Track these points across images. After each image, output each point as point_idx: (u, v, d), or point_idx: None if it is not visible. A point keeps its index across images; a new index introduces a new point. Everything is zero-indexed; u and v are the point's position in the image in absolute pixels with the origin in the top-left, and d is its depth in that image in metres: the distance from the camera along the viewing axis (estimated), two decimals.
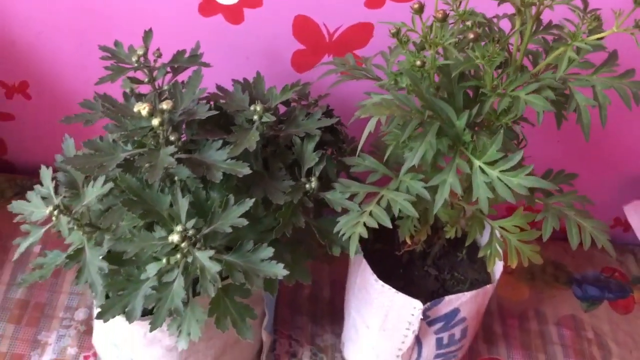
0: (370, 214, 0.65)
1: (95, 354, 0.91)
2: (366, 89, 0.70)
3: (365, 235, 0.63)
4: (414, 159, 0.60)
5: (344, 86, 0.75)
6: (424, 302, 0.77)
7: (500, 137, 0.59)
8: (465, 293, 0.77)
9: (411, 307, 0.78)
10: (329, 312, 1.01)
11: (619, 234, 1.17)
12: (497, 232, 0.72)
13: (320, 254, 0.74)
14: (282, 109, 0.79)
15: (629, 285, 1.10)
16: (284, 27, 0.88)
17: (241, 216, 0.62)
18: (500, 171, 0.60)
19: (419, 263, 0.87)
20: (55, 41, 0.94)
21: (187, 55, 0.73)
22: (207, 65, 0.72)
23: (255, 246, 0.62)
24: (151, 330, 0.59)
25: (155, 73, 0.72)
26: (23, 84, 1.00)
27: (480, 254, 0.72)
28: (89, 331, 0.93)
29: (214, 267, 0.57)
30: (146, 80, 0.71)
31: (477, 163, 0.62)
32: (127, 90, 0.71)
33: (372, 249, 0.84)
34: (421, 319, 0.78)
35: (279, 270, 0.61)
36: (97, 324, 0.86)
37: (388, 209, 0.66)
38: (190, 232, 0.59)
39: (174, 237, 0.58)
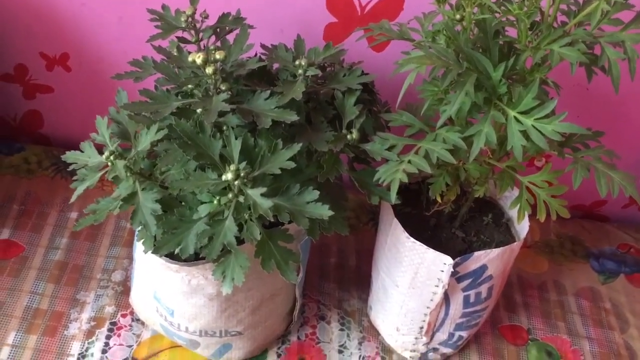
0: (409, 162, 0.69)
1: (132, 312, 0.94)
2: (396, 60, 0.74)
3: (405, 179, 0.67)
4: (452, 108, 0.64)
5: (374, 58, 0.79)
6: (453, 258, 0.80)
7: (535, 85, 0.63)
8: (494, 249, 0.81)
9: (441, 263, 0.81)
10: (355, 279, 1.05)
11: (634, 212, 1.20)
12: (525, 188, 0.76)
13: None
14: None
15: None
16: (317, 0, 0.93)
17: (289, 160, 0.65)
18: (535, 119, 0.64)
19: (447, 226, 0.90)
20: (98, 13, 0.98)
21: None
22: (251, 27, 0.76)
23: (301, 189, 0.65)
24: (206, 260, 0.63)
25: (201, 34, 0.76)
26: (64, 56, 1.04)
27: (511, 207, 0.76)
28: (125, 292, 0.96)
29: (266, 203, 0.61)
30: (193, 40, 0.75)
31: (512, 113, 0.65)
32: (174, 49, 0.75)
33: (401, 213, 0.88)
34: (451, 274, 0.81)
35: (325, 211, 0.64)
36: (136, 280, 0.89)
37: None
38: (242, 172, 0.63)
39: (228, 175, 0.62)
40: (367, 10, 0.93)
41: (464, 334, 0.93)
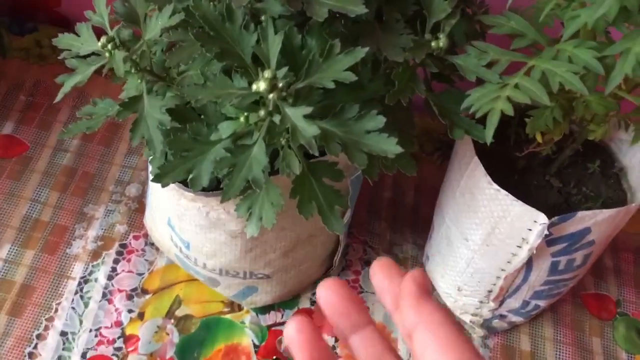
0: (517, 87, 0.49)
1: (146, 235, 0.80)
2: None
3: (510, 112, 0.47)
4: (597, 11, 0.43)
5: None
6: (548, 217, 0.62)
7: None
8: (604, 210, 0.62)
9: (531, 221, 0.63)
10: (412, 221, 0.87)
11: None
12: None
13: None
14: None
15: None
16: None
17: (347, 70, 0.46)
18: None
19: (539, 170, 0.70)
20: None
21: None
22: None
23: (361, 112, 0.47)
24: (222, 201, 0.46)
25: None
26: None
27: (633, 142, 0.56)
28: (141, 209, 0.82)
29: (310, 129, 0.43)
30: None
31: None
32: None
33: (481, 148, 0.68)
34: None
35: (391, 146, 0.46)
36: (151, 198, 0.74)
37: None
38: (281, 83, 0.45)
39: (261, 85, 0.44)
40: None
41: (542, 303, 0.75)
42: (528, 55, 0.51)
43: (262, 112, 0.46)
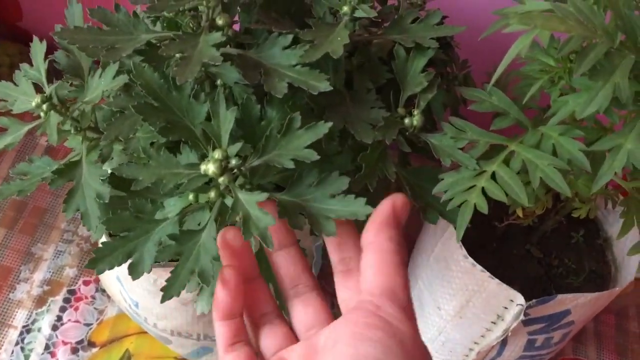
0: (493, 176, 0.44)
1: (97, 280, 0.74)
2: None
3: (484, 209, 0.43)
4: (587, 106, 0.39)
5: None
6: (526, 296, 0.57)
7: None
8: (586, 294, 0.57)
9: (506, 300, 0.58)
10: None
11: None
12: None
13: None
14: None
15: None
16: None
17: (310, 147, 0.41)
18: None
19: (520, 239, 0.66)
20: None
21: None
22: None
23: (322, 176, 0.41)
24: (162, 301, 0.41)
25: None
26: None
27: (631, 253, 0.51)
28: None
29: (265, 219, 0.37)
30: None
31: None
32: None
33: None
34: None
35: (360, 208, 0.39)
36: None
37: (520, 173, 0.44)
38: (234, 161, 0.40)
39: (209, 167, 0.38)
40: None
41: None
42: (509, 138, 0.46)
43: (212, 194, 0.41)
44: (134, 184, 0.40)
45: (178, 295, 0.41)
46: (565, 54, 0.40)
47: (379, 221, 0.35)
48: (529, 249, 0.65)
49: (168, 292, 0.41)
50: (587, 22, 0.38)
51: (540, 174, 0.43)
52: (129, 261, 0.43)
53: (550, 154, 0.44)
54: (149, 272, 0.43)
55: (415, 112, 0.46)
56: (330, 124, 0.41)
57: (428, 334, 0.70)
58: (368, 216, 0.38)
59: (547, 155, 0.43)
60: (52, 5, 0.88)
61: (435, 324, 0.68)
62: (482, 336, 0.64)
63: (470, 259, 0.59)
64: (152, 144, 0.45)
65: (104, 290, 0.73)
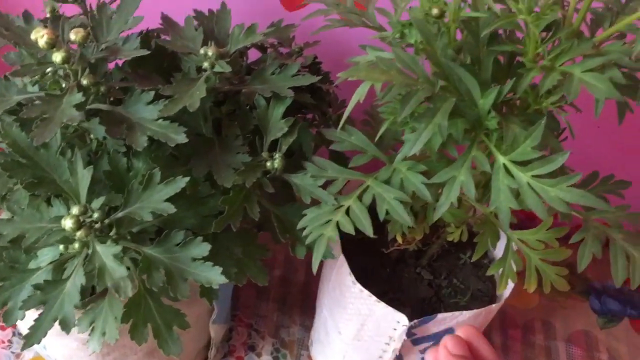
0: (348, 211, 0.48)
1: (14, 325, 0.76)
2: (366, 39, 0.52)
3: (335, 242, 0.47)
4: (414, 145, 0.43)
5: (339, 33, 0.57)
6: (411, 316, 0.61)
7: (539, 129, 0.41)
8: (464, 312, 0.61)
9: (394, 321, 0.62)
10: (301, 300, 0.86)
11: None
12: (514, 245, 0.56)
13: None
14: (256, 54, 0.61)
15: None
16: None
17: (173, 197, 0.45)
18: (534, 176, 0.43)
19: (411, 262, 0.70)
20: None
21: None
22: None
23: (187, 239, 0.45)
24: (23, 348, 0.43)
25: None
26: None
27: (491, 272, 0.56)
28: None
29: (119, 270, 0.41)
30: None
31: (501, 160, 0.44)
32: (47, 11, 0.54)
33: (354, 239, 0.68)
34: (406, 335, 0.62)
35: (214, 276, 0.44)
36: None
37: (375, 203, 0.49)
38: (96, 215, 0.43)
39: (67, 223, 0.42)
40: None
41: None
42: (365, 174, 0.51)
43: (76, 246, 0.44)
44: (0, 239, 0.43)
45: (39, 342, 0.44)
46: (386, 101, 0.44)
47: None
48: (419, 272, 0.69)
49: (30, 340, 0.44)
50: (410, 70, 0.43)
51: (387, 206, 0.47)
52: (4, 309, 0.46)
53: (398, 188, 0.48)
54: (22, 319, 0.46)
55: (277, 155, 0.50)
56: (186, 179, 0.45)
57: (334, 358, 0.73)
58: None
59: (393, 190, 0.48)
60: None
61: (339, 348, 0.71)
62: (379, 357, 0.67)
63: (359, 285, 0.63)
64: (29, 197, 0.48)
65: (21, 334, 0.75)
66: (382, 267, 0.69)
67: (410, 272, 0.70)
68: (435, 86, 0.43)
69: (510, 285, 0.64)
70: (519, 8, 0.40)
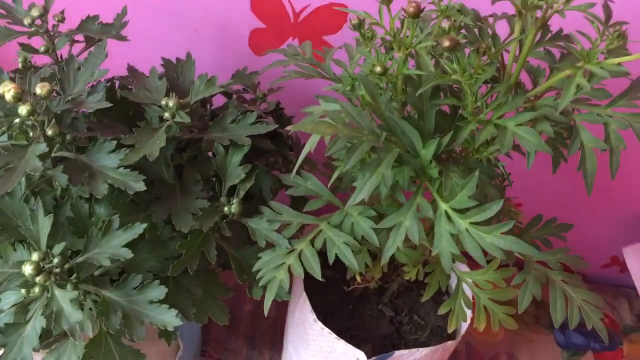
0: (300, 255, 0.51)
1: None
2: (325, 89, 0.56)
3: (285, 284, 0.49)
4: (360, 192, 0.46)
5: (302, 80, 0.60)
6: (372, 353, 0.63)
7: (474, 180, 0.44)
8: (420, 349, 0.63)
9: (354, 358, 0.64)
10: (271, 335, 0.88)
11: (614, 274, 1.03)
12: (464, 285, 0.58)
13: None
14: (222, 99, 0.64)
15: (619, 335, 0.96)
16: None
17: (134, 241, 0.47)
18: (471, 223, 0.45)
19: (373, 299, 0.72)
20: None
21: (107, 21, 0.58)
22: (123, 38, 0.57)
23: (144, 283, 0.47)
24: None
25: (56, 41, 0.57)
26: None
27: (442, 311, 0.58)
28: None
29: (75, 315, 0.43)
30: (41, 49, 0.56)
31: (443, 207, 0.47)
32: (20, 61, 0.56)
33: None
34: None
35: (169, 318, 0.46)
36: None
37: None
38: (56, 260, 0.45)
39: (27, 269, 0.44)
40: (302, 18, 0.73)
41: None
42: (320, 217, 0.53)
43: (36, 290, 0.46)
44: None
45: None
46: (332, 154, 0.47)
47: None
48: (381, 308, 0.72)
49: None
50: (356, 123, 0.46)
51: (336, 250, 0.49)
52: None
53: (349, 232, 0.51)
54: None
55: (234, 200, 0.52)
56: (144, 225, 0.47)
57: None
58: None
59: (343, 234, 0.50)
60: None
61: None
62: None
63: (320, 323, 0.65)
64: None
65: None
66: (345, 304, 0.72)
67: (372, 308, 0.72)
68: (380, 138, 0.46)
69: (466, 325, 0.67)
70: (452, 68, 0.43)
